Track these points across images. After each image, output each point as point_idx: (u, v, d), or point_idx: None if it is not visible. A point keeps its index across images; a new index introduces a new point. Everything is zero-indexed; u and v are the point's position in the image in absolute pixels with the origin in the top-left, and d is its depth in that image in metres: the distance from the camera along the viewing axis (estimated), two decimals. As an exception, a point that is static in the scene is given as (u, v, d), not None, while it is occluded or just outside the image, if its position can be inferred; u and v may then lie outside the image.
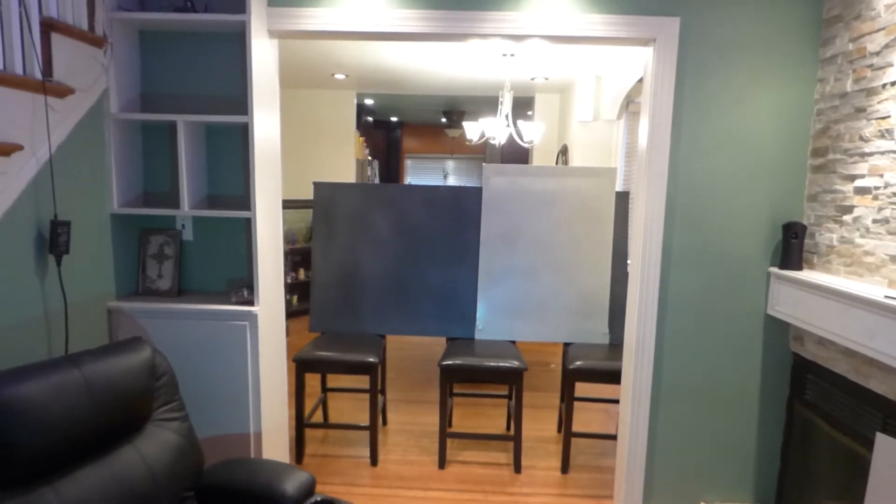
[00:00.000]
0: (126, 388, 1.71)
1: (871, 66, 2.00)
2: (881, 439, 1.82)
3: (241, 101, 2.50)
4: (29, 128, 1.87)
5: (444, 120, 10.18)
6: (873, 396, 1.93)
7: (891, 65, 1.91)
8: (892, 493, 1.77)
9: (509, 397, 3.70)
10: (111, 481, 1.63)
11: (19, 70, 1.82)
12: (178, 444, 1.85)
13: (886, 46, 1.93)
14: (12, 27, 1.77)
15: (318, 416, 3.72)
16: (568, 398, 3.14)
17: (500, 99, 4.93)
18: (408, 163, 11.80)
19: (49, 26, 1.97)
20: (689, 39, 2.34)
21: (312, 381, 4.05)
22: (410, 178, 11.86)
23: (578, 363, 3.10)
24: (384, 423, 3.73)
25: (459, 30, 2.36)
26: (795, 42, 2.33)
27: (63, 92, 2.03)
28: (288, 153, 6.74)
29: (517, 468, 3.15)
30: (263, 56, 2.39)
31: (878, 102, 1.96)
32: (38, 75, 1.88)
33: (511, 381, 3.15)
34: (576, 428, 3.63)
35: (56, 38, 2.00)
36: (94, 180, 2.29)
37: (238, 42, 2.49)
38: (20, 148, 1.80)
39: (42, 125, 1.93)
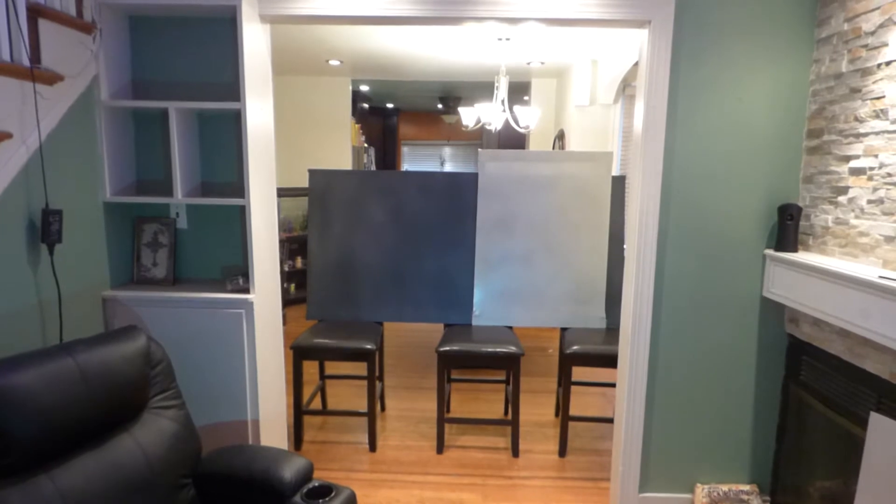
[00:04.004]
0: (121, 377, 1.71)
1: (866, 45, 1.99)
2: (875, 419, 1.83)
3: (233, 88, 2.48)
4: (17, 116, 1.85)
5: (440, 106, 10.13)
6: (868, 376, 1.94)
7: (886, 44, 1.89)
8: (886, 472, 1.78)
9: (507, 382, 3.72)
10: (108, 470, 1.64)
11: (6, 57, 1.80)
12: (175, 431, 1.85)
13: (881, 26, 1.91)
14: (-2, 13, 1.75)
15: (316, 403, 3.73)
16: (565, 382, 3.15)
17: (496, 84, 4.90)
18: (404, 150, 11.75)
19: (36, 12, 1.94)
20: (684, 21, 2.31)
21: (311, 368, 4.07)
22: (407, 165, 11.82)
23: (575, 347, 3.11)
24: (382, 409, 3.74)
25: (454, 13, 2.33)
26: (791, 22, 2.31)
27: (52, 79, 2.01)
28: (283, 141, 6.71)
29: (515, 452, 3.17)
30: (255, 41, 2.37)
31: (874, 82, 1.95)
32: (26, 62, 1.86)
33: (508, 367, 3.16)
34: (573, 412, 3.65)
35: (43, 24, 1.97)
36: (85, 168, 2.27)
37: (230, 27, 2.46)
38: (9, 136, 1.79)
39: (31, 113, 1.91)
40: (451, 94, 9.05)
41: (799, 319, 2.36)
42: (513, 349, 3.10)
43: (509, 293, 3.60)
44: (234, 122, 2.56)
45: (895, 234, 1.84)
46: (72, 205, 2.18)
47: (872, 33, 1.95)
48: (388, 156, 11.37)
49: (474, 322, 3.59)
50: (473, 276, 3.61)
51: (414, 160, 11.85)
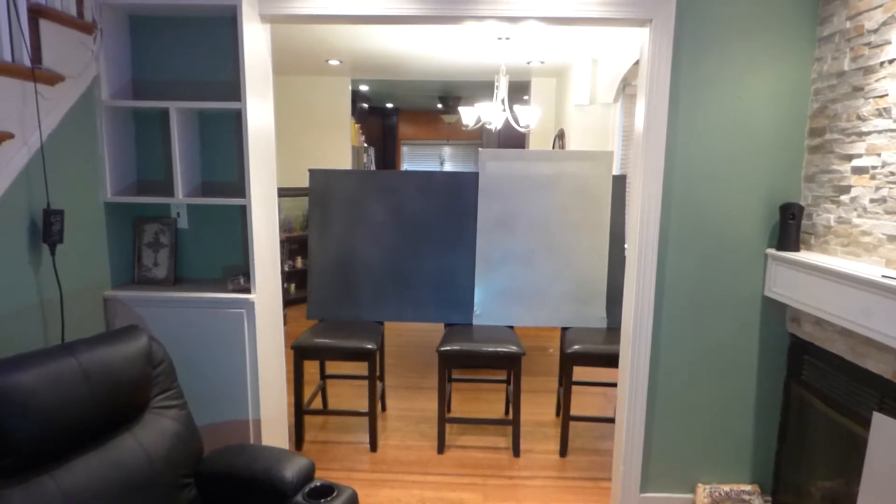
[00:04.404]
0: (123, 377, 1.71)
1: (868, 43, 1.98)
2: (878, 419, 1.83)
3: (233, 87, 2.47)
4: (19, 116, 1.85)
5: (439, 106, 10.12)
6: (870, 376, 1.94)
7: (889, 42, 1.89)
8: (889, 472, 1.78)
9: (508, 382, 3.71)
10: (110, 469, 1.63)
11: (7, 57, 1.80)
12: (176, 431, 1.85)
13: (884, 24, 1.91)
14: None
15: (317, 403, 3.73)
16: (566, 382, 3.15)
17: (496, 83, 4.90)
18: (404, 149, 11.75)
19: (37, 12, 1.94)
20: (685, 19, 2.31)
21: (311, 368, 4.06)
22: (407, 165, 11.82)
23: (576, 347, 3.11)
24: (383, 409, 3.74)
25: (454, 12, 2.33)
26: (793, 21, 2.31)
27: (53, 79, 2.01)
28: (283, 141, 6.70)
29: (516, 452, 3.16)
30: (256, 41, 2.36)
31: (876, 81, 1.95)
32: (27, 62, 1.86)
33: (509, 366, 3.16)
34: (574, 412, 3.64)
35: (44, 25, 1.97)
36: (86, 169, 2.27)
37: (230, 27, 2.46)
38: (10, 136, 1.78)
39: (32, 113, 1.91)
40: (451, 93, 9.04)
41: (801, 319, 2.36)
42: (514, 349, 3.10)
43: (510, 293, 3.60)
44: (235, 122, 2.56)
45: (897, 233, 1.84)
46: (73, 205, 2.17)
47: (875, 31, 1.95)
48: (387, 156, 11.37)
49: (475, 322, 3.59)
50: (474, 275, 3.61)
51: (414, 160, 11.84)
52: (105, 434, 1.69)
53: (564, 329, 3.52)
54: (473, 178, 3.58)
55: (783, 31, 2.31)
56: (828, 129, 2.22)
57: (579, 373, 3.84)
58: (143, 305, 2.38)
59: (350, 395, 3.99)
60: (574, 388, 3.30)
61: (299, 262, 6.42)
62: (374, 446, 3.20)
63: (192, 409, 2.01)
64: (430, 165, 11.77)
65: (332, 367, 4.21)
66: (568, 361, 3.14)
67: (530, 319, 3.60)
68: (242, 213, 2.60)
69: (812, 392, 2.30)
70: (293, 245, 6.42)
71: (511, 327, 3.54)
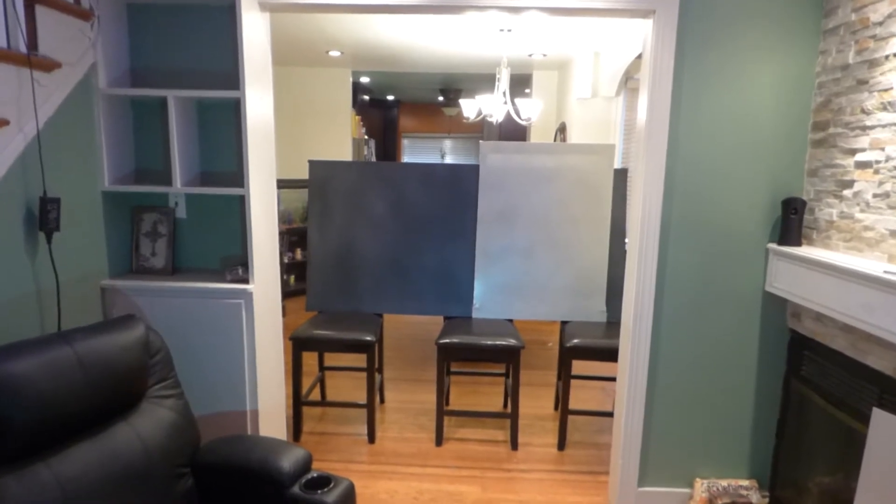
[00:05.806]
0: (119, 366, 1.70)
1: (873, 36, 1.96)
2: (877, 414, 1.82)
3: (232, 76, 2.44)
4: (15, 103, 1.83)
5: (440, 98, 10.08)
6: (870, 372, 1.93)
7: (894, 35, 1.87)
8: (887, 468, 1.77)
9: (506, 375, 3.71)
10: (106, 458, 1.63)
11: (3, 43, 1.78)
12: (173, 421, 1.84)
13: (890, 16, 1.88)
14: (-5, -1, 1.73)
15: (315, 395, 3.73)
16: (565, 376, 3.14)
17: (498, 76, 4.87)
18: (405, 142, 11.71)
19: (33, -2, 1.92)
20: (689, 11, 2.28)
21: (310, 359, 4.06)
22: (408, 158, 11.78)
23: (575, 341, 3.10)
24: (382, 401, 3.74)
25: (456, 1, 2.31)
26: (797, 13, 2.28)
27: (49, 66, 1.98)
28: (283, 132, 6.67)
29: (514, 445, 3.16)
30: (255, 30, 2.34)
31: (881, 74, 1.93)
32: (23, 49, 1.84)
33: (508, 360, 3.15)
34: (573, 405, 3.64)
35: (41, 11, 1.95)
36: (84, 157, 2.25)
37: (229, 15, 2.43)
38: (6, 123, 1.77)
39: (28, 100, 1.89)
40: (452, 85, 9.00)
41: (801, 314, 2.35)
42: (513, 342, 3.09)
43: (510, 286, 3.59)
44: (234, 112, 2.54)
45: (900, 228, 1.83)
46: (70, 193, 2.16)
47: (880, 24, 1.93)
48: (388, 148, 11.34)
49: (474, 315, 3.58)
50: (474, 268, 3.60)
51: (414, 153, 11.81)
52: (101, 423, 1.68)
53: (564, 323, 3.51)
54: (474, 170, 3.57)
55: (787, 24, 2.29)
56: (831, 122, 2.20)
57: (578, 367, 3.83)
58: (141, 295, 2.37)
59: (348, 386, 3.98)
60: (573, 382, 3.30)
61: (299, 254, 6.42)
62: (372, 438, 3.20)
63: (190, 399, 2.00)
64: (430, 158, 11.73)
65: (331, 358, 4.21)
66: (567, 355, 3.13)
67: (530, 313, 3.59)
68: (241, 204, 2.58)
69: (811, 388, 2.29)
70: (293, 237, 6.41)
71: (510, 321, 3.53)
